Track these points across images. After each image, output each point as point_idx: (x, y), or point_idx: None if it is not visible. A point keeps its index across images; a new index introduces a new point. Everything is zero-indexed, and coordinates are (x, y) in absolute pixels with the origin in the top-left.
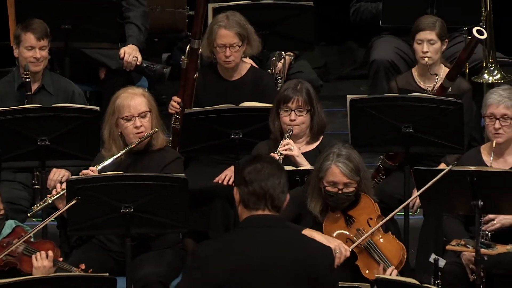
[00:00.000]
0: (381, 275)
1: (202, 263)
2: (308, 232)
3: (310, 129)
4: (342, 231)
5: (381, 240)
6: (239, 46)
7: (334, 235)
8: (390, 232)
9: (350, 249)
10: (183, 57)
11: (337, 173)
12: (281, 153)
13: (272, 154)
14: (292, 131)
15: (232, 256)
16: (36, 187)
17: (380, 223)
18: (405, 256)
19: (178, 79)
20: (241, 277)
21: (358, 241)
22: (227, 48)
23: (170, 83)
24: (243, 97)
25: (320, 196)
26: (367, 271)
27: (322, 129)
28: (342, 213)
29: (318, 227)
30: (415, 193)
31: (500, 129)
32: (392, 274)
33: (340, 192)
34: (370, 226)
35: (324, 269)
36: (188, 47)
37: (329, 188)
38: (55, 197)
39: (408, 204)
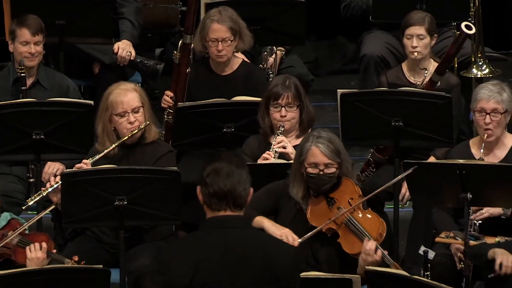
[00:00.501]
0: (371, 267)
1: (164, 267)
2: (259, 219)
3: (299, 123)
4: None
5: (360, 215)
6: (231, 41)
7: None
8: (369, 209)
9: (327, 224)
10: (175, 52)
11: (317, 153)
12: (275, 151)
13: (267, 152)
14: (284, 127)
15: (193, 259)
16: (31, 180)
17: (358, 202)
18: (385, 229)
19: (171, 74)
20: (203, 279)
21: (333, 218)
22: (219, 43)
23: (163, 78)
24: (235, 91)
25: (302, 181)
26: (348, 247)
27: (311, 122)
28: (324, 196)
29: (301, 215)
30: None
31: (490, 123)
32: (372, 246)
33: (321, 173)
34: (351, 206)
35: (286, 268)
36: (180, 42)
37: (310, 170)
38: (49, 190)
39: (387, 190)
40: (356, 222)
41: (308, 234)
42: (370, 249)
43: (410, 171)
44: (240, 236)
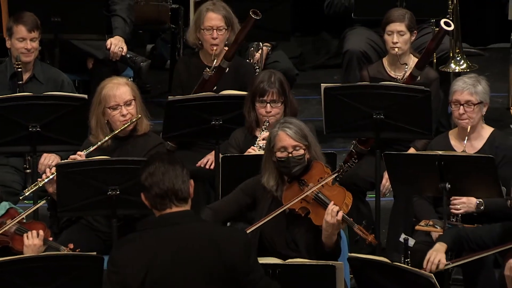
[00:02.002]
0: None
1: (117, 267)
2: None
3: (283, 117)
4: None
5: (328, 191)
6: (225, 29)
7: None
8: (337, 184)
9: (293, 202)
10: (207, 69)
11: (284, 137)
12: (260, 146)
13: (252, 147)
14: (269, 122)
15: (144, 259)
16: (28, 171)
17: (325, 178)
18: (350, 199)
19: (161, 69)
20: (156, 278)
21: (300, 195)
22: (214, 31)
23: (154, 73)
24: (224, 82)
25: (274, 168)
26: (317, 220)
27: (295, 116)
28: (296, 180)
29: (278, 202)
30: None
31: (464, 114)
32: (334, 208)
33: (290, 155)
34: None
35: (239, 255)
36: (216, 62)
37: (279, 154)
38: (45, 181)
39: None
40: (324, 196)
41: (298, 198)
42: (332, 210)
43: (335, 174)
44: (189, 231)
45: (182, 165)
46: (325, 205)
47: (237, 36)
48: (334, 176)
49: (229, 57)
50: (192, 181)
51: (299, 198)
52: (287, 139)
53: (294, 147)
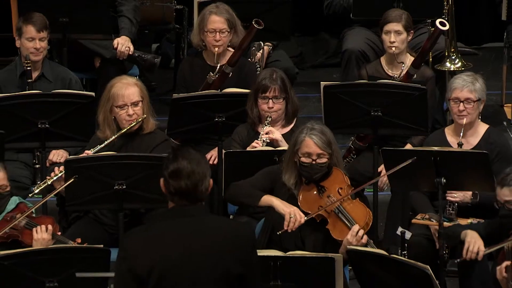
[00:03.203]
0: (353, 247)
1: (127, 255)
2: (267, 197)
3: (285, 114)
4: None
5: (349, 205)
6: (228, 32)
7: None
8: (358, 199)
9: (319, 211)
10: (211, 73)
11: (311, 144)
12: (263, 140)
13: (255, 141)
14: (271, 118)
15: (155, 246)
16: (37, 166)
17: (349, 192)
18: (371, 219)
19: (166, 68)
20: (165, 266)
21: (325, 207)
22: (217, 33)
23: (159, 71)
24: (227, 82)
25: (295, 168)
26: (336, 233)
27: (296, 113)
28: (315, 184)
29: (293, 200)
30: (384, 172)
31: (464, 111)
32: (360, 233)
33: (314, 162)
34: (340, 195)
35: (246, 248)
36: (219, 67)
37: (303, 159)
38: (54, 179)
39: (377, 181)
40: (345, 211)
41: (310, 215)
42: (357, 233)
43: (409, 161)
44: (200, 224)
45: (207, 166)
46: (345, 221)
47: (240, 43)
48: (356, 190)
49: (232, 63)
50: (211, 181)
51: (322, 209)
52: (313, 146)
53: (319, 155)
